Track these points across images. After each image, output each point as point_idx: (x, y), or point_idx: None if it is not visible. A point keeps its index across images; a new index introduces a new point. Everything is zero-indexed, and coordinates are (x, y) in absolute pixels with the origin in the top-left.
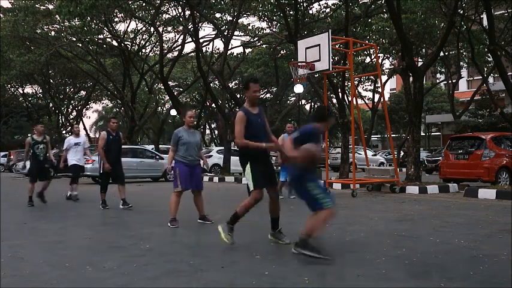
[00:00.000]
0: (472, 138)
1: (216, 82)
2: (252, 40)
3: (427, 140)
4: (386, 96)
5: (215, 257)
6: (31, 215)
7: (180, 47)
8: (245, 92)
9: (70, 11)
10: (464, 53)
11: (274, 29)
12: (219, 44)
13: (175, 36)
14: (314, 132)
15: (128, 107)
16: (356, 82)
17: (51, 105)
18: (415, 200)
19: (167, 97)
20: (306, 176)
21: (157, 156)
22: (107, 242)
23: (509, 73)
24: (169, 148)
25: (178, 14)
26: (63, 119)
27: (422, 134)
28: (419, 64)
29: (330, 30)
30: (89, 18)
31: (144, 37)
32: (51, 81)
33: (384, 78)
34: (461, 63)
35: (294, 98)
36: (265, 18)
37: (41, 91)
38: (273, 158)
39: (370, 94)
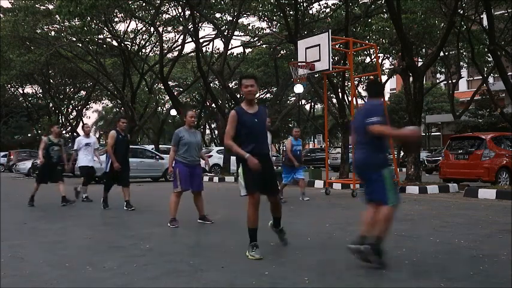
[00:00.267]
0: (472, 138)
1: (216, 82)
2: (252, 40)
3: (427, 140)
4: (387, 96)
5: (215, 257)
6: (31, 215)
7: (180, 47)
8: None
9: (70, 11)
10: (464, 53)
11: (274, 29)
12: (219, 44)
13: (175, 36)
14: (383, 107)
15: (127, 107)
16: (356, 82)
17: (51, 105)
18: (415, 200)
19: (167, 97)
20: (386, 163)
21: (157, 156)
22: (107, 242)
23: (509, 73)
24: (169, 148)
25: (178, 14)
26: (63, 119)
27: (422, 134)
28: (419, 64)
29: (330, 30)
30: (89, 18)
31: (144, 37)
32: (51, 81)
33: (384, 78)
34: (461, 63)
35: (294, 98)
36: (265, 18)
37: (41, 91)
38: (273, 158)
39: None
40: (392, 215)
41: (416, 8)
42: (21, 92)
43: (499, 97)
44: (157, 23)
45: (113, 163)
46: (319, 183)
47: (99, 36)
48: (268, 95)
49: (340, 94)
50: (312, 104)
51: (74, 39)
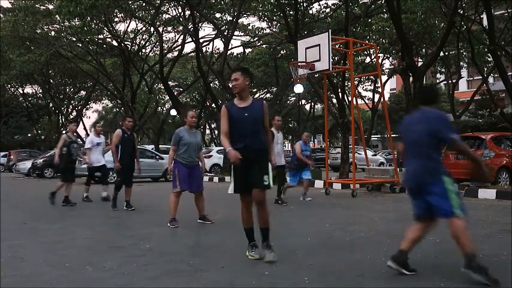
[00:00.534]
0: (472, 138)
1: (216, 82)
2: (252, 40)
3: None
4: (387, 96)
5: (215, 257)
6: (31, 215)
7: (180, 47)
8: None
9: (70, 11)
10: (464, 53)
11: (274, 29)
12: (219, 44)
13: (175, 36)
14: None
15: (127, 107)
16: (356, 82)
17: (51, 105)
18: None
19: (167, 97)
20: (446, 172)
21: (157, 156)
22: (107, 242)
23: (509, 73)
24: (169, 148)
25: (178, 14)
26: (63, 119)
27: None
28: (419, 64)
29: (330, 30)
30: (89, 18)
31: (144, 37)
32: (51, 81)
33: (384, 78)
34: (461, 63)
35: (294, 98)
36: (265, 18)
37: (41, 91)
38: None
39: (370, 94)
40: (464, 226)
41: (416, 8)
42: (21, 92)
43: (499, 97)
44: (157, 23)
45: (114, 162)
46: (319, 183)
47: (99, 36)
48: (268, 95)
49: (340, 94)
50: (312, 104)
51: (74, 39)
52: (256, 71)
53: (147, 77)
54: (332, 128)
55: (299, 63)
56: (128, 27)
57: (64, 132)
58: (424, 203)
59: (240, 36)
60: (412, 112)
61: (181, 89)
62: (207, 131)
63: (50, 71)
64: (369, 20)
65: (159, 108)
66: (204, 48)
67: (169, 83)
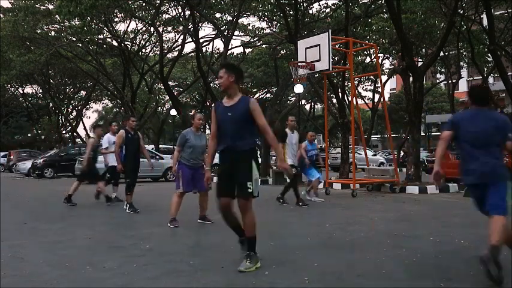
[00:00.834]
0: None
1: (216, 82)
2: (252, 40)
3: (427, 140)
4: (387, 96)
5: (215, 257)
6: (31, 215)
7: (180, 47)
8: None
9: (70, 11)
10: (464, 53)
11: (274, 29)
12: (219, 44)
13: (175, 36)
14: None
15: (127, 107)
16: (356, 82)
17: (51, 105)
18: (415, 200)
19: (167, 97)
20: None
21: (157, 156)
22: (107, 242)
23: (509, 73)
24: (169, 148)
25: (178, 14)
26: (63, 119)
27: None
28: (419, 64)
29: (330, 30)
30: (89, 18)
31: (144, 37)
32: (51, 81)
33: (384, 78)
34: (461, 63)
35: (294, 98)
36: (265, 18)
37: (41, 91)
38: (273, 157)
39: (370, 94)
40: (506, 224)
41: (416, 8)
42: (21, 92)
43: (499, 97)
44: (157, 23)
45: (117, 164)
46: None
47: (99, 36)
48: (268, 95)
49: (340, 94)
50: (312, 104)
51: (74, 39)
52: (256, 71)
53: (147, 77)
54: (332, 128)
55: (299, 63)
56: (128, 27)
57: (91, 136)
58: (484, 197)
59: (240, 36)
60: (467, 110)
61: (181, 89)
62: (207, 131)
63: (50, 71)
64: (369, 20)
65: (159, 108)
66: (204, 48)
67: (169, 83)
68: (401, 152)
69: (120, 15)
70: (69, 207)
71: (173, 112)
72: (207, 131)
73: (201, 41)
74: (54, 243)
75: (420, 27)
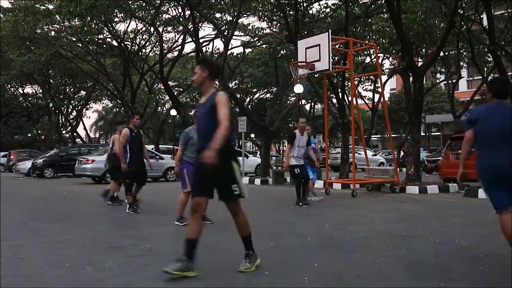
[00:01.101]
0: None
1: (216, 82)
2: (252, 40)
3: (427, 140)
4: (387, 96)
5: (215, 257)
6: (31, 215)
7: (180, 47)
8: None
9: (70, 11)
10: (464, 53)
11: (274, 29)
12: (219, 44)
13: (175, 36)
14: None
15: (127, 107)
16: (356, 82)
17: (51, 105)
18: (415, 200)
19: (167, 97)
20: None
21: (157, 156)
22: (107, 242)
23: (509, 73)
24: (169, 148)
25: (178, 14)
26: (63, 119)
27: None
28: (419, 64)
29: (330, 30)
30: (89, 18)
31: (144, 37)
32: (51, 81)
33: (384, 78)
34: (461, 63)
35: (294, 98)
36: (265, 18)
37: (41, 91)
38: (273, 157)
39: (370, 94)
40: None
41: (416, 8)
42: (21, 92)
43: None
44: (157, 23)
45: (122, 164)
46: (319, 183)
47: (99, 36)
48: (268, 95)
49: (340, 94)
50: (312, 104)
51: (74, 39)
52: (256, 71)
53: (147, 77)
54: (332, 128)
55: (299, 63)
56: (128, 27)
57: (116, 133)
58: (508, 193)
59: (240, 36)
60: (485, 104)
61: (181, 89)
62: None
63: (50, 71)
64: (369, 20)
65: (159, 108)
66: (204, 48)
67: (169, 83)
68: (401, 152)
69: (120, 15)
70: (69, 206)
71: (173, 112)
72: None
73: (201, 41)
74: (54, 243)
75: (420, 27)
